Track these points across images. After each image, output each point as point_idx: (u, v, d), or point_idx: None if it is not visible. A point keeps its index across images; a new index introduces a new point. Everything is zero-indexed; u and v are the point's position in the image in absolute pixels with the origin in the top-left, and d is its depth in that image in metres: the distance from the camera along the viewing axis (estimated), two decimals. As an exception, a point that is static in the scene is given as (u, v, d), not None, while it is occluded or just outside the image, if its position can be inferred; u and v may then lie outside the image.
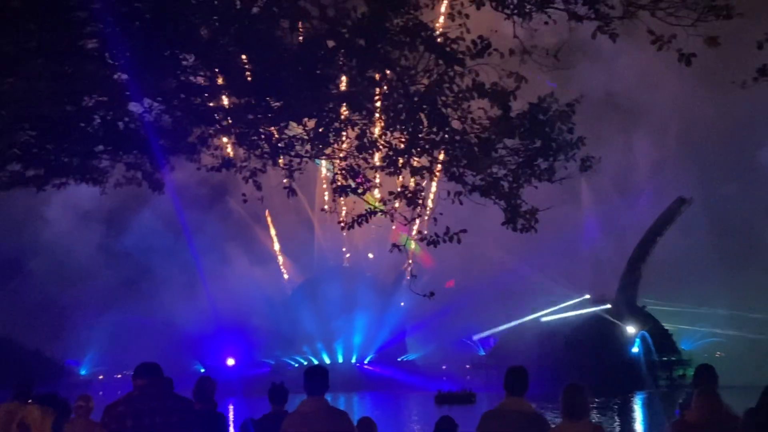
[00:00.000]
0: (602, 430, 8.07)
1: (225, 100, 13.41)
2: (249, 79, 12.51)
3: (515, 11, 11.67)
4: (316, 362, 71.34)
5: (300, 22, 12.44)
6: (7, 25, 11.31)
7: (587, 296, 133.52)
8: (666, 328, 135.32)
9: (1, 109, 11.21)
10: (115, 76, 12.82)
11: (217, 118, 13.41)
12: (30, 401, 12.95)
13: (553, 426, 8.27)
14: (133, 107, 14.04)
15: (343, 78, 12.99)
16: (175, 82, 12.81)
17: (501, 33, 11.98)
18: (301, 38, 12.64)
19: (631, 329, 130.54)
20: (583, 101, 12.15)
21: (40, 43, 12.22)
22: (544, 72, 11.68)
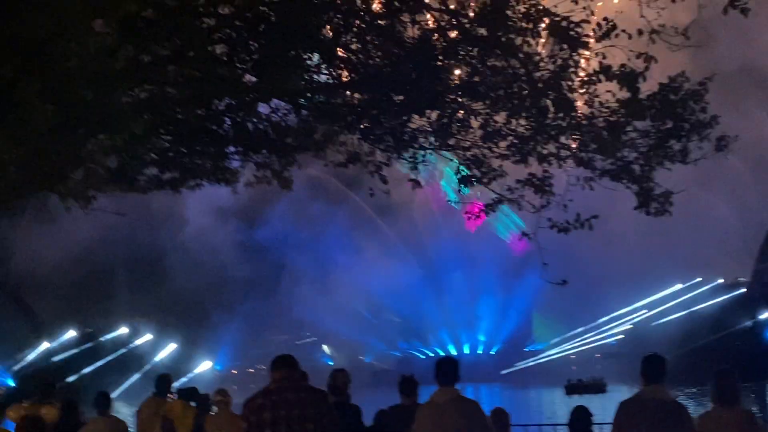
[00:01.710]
0: (755, 417, 7.80)
1: (349, 97, 13.59)
2: (371, 74, 12.65)
3: (641, -10, 11.40)
4: (442, 354, 71.33)
5: (420, 15, 12.49)
6: (142, 35, 11.82)
7: (720, 281, 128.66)
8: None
9: (140, 116, 11.70)
10: (244, 79, 13.19)
11: (342, 114, 13.60)
12: (171, 396, 13.45)
13: (702, 412, 8.04)
14: (261, 108, 14.44)
15: (464, 68, 12.95)
16: (300, 81, 13.08)
17: (627, 14, 11.71)
18: (421, 31, 12.69)
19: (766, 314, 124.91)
20: (717, 78, 11.74)
21: (172, 51, 12.74)
22: (673, 51, 11.36)
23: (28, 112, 10.07)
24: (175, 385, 14.58)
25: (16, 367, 43.34)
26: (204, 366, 51.67)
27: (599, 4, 11.46)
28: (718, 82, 12.24)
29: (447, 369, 8.62)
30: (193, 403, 13.84)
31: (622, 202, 12.99)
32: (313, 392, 7.94)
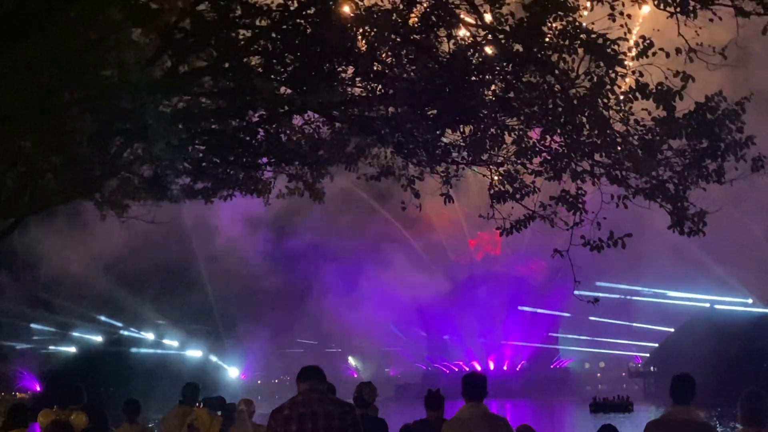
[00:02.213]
0: None
1: (383, 110, 13.63)
2: (405, 88, 12.67)
3: (678, 9, 11.34)
4: (467, 368, 71.02)
5: (456, 30, 12.50)
6: (180, 46, 11.95)
7: (749, 300, 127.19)
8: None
9: (176, 126, 11.82)
10: (279, 91, 13.28)
11: (375, 127, 13.64)
12: (199, 404, 13.47)
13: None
14: (294, 120, 14.53)
15: (499, 83, 12.94)
16: (334, 94, 13.13)
17: (664, 32, 11.65)
18: (456, 46, 12.70)
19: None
20: (756, 97, 11.64)
21: (208, 62, 12.86)
22: (711, 70, 11.27)
23: (66, 120, 10.21)
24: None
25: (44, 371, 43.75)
26: (230, 374, 51.81)
27: (638, 21, 11.39)
28: (757, 101, 12.14)
29: (474, 384, 8.57)
30: (219, 413, 13.85)
31: (653, 220, 12.91)
32: (340, 405, 7.88)
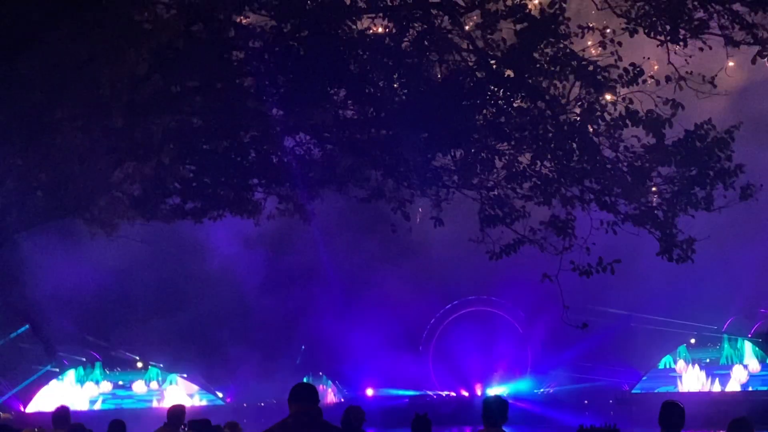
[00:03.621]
0: None
1: (374, 132, 13.63)
2: (397, 111, 12.70)
3: (669, 38, 11.46)
4: (453, 394, 70.66)
5: (448, 55, 12.57)
6: (172, 66, 11.94)
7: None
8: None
9: (168, 145, 11.80)
10: (270, 112, 13.28)
11: (366, 149, 13.64)
12: (184, 427, 13.33)
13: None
14: (286, 141, 14.51)
15: (490, 108, 12.98)
16: (326, 116, 13.15)
17: (655, 60, 11.76)
18: (447, 70, 12.76)
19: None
20: (743, 127, 11.73)
21: (200, 82, 12.86)
22: (701, 99, 11.37)
23: (57, 138, 10.19)
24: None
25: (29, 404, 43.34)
26: (214, 398, 51.31)
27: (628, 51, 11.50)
28: (751, 128, 12.22)
29: (495, 409, 8.10)
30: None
31: (649, 244, 12.90)
32: (328, 428, 7.74)
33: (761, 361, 45.20)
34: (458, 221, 15.14)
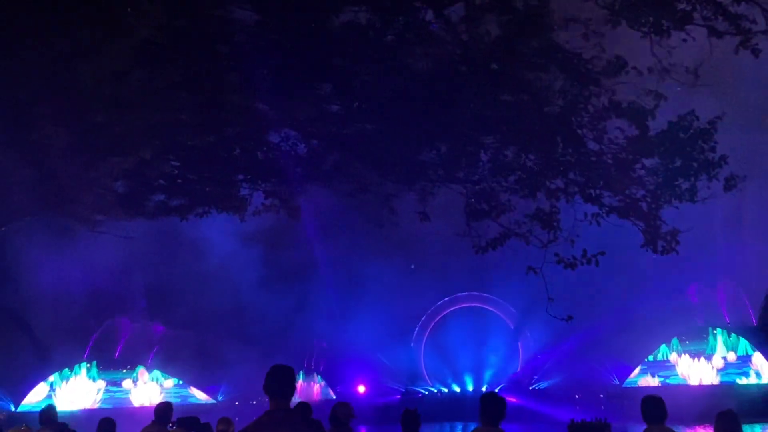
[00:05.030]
0: None
1: (359, 127, 13.58)
2: (382, 105, 12.66)
3: (652, 29, 11.44)
4: (445, 390, 70.58)
5: (432, 48, 12.51)
6: (155, 61, 11.87)
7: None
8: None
9: (151, 141, 11.72)
10: (255, 107, 13.21)
11: (352, 144, 13.59)
12: (172, 425, 13.26)
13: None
14: (271, 137, 14.44)
15: (475, 101, 12.95)
16: (311, 110, 13.09)
17: (638, 51, 11.74)
18: (432, 63, 12.72)
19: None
20: (726, 118, 11.72)
21: (184, 77, 12.77)
22: (683, 90, 11.36)
23: (40, 134, 10.12)
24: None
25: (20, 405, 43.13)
26: (206, 395, 51.28)
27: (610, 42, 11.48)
28: (732, 121, 12.21)
29: (493, 407, 7.92)
30: (192, 433, 13.66)
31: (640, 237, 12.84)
32: (307, 425, 7.63)
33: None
34: (454, 216, 15.06)
